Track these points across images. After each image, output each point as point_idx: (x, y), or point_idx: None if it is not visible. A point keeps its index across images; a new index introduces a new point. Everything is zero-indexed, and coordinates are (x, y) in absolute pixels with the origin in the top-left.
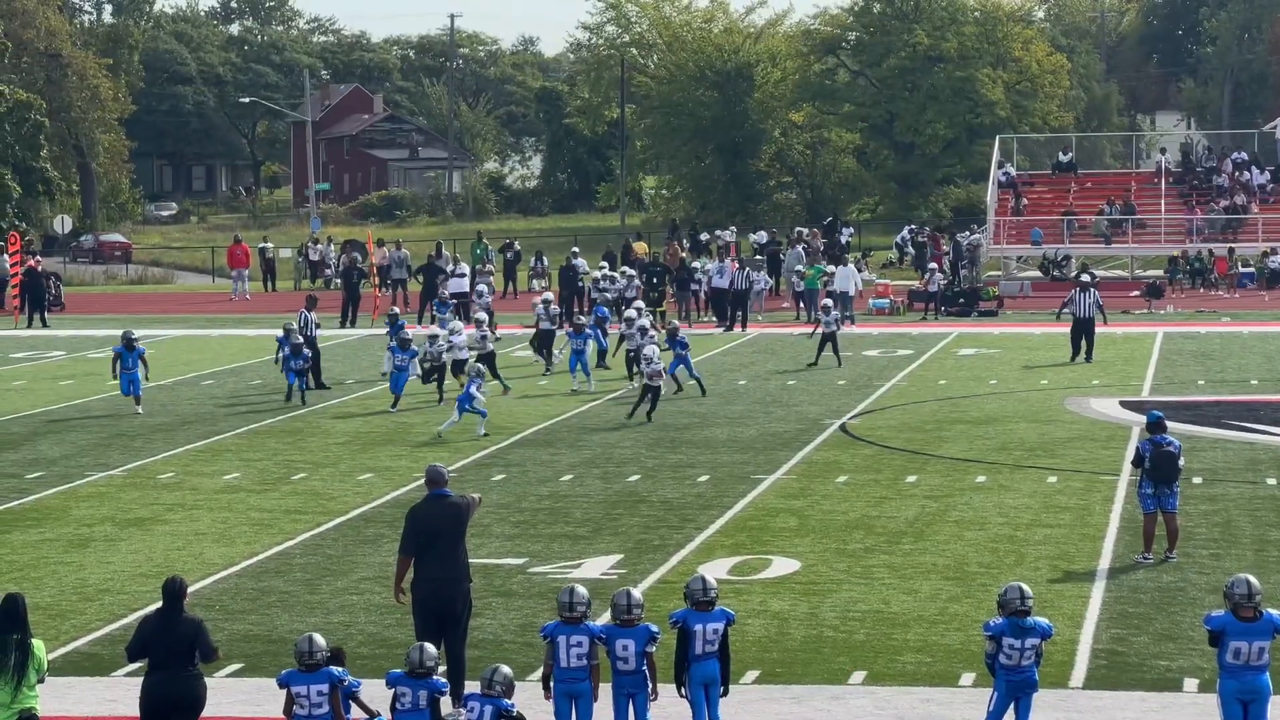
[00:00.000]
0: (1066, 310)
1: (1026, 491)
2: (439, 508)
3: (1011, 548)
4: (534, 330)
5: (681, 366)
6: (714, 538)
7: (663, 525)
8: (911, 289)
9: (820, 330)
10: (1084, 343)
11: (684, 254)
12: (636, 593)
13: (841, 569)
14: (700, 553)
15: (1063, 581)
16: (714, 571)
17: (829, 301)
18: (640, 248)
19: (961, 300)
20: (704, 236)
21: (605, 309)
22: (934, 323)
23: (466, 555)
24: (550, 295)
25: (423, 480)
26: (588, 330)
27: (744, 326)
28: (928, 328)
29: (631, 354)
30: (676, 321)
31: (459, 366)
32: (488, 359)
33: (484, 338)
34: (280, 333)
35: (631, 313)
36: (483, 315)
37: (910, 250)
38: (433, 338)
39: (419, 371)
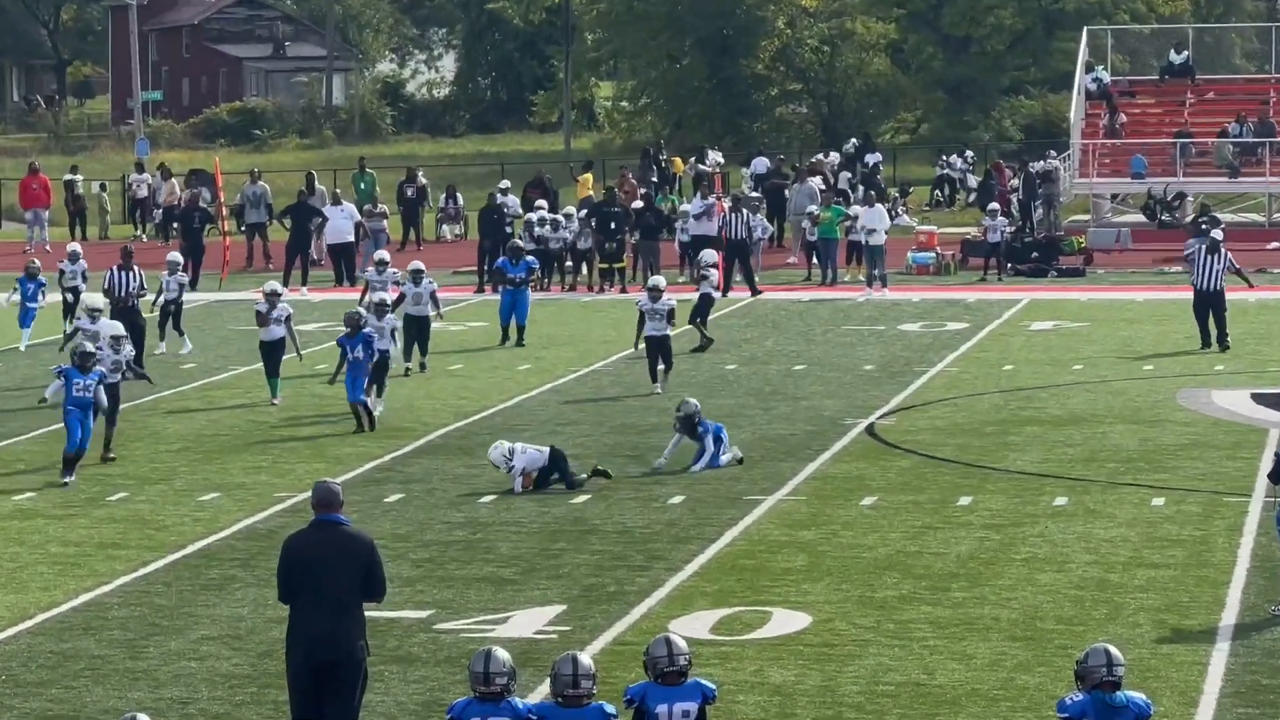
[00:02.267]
0: (1182, 269)
1: (1123, 518)
2: (324, 538)
3: (1101, 596)
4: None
5: None
6: (691, 582)
7: (621, 565)
8: (966, 238)
9: (697, 293)
10: (1212, 323)
11: (643, 189)
12: (586, 659)
13: (868, 625)
14: (672, 603)
15: (1171, 642)
16: (691, 629)
17: (711, 254)
18: (586, 181)
19: (1035, 255)
20: (686, 163)
21: (535, 260)
22: (997, 285)
23: (361, 606)
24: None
25: (291, 502)
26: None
27: (753, 290)
28: (988, 292)
29: (654, 341)
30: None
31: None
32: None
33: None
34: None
35: (658, 280)
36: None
37: (966, 185)
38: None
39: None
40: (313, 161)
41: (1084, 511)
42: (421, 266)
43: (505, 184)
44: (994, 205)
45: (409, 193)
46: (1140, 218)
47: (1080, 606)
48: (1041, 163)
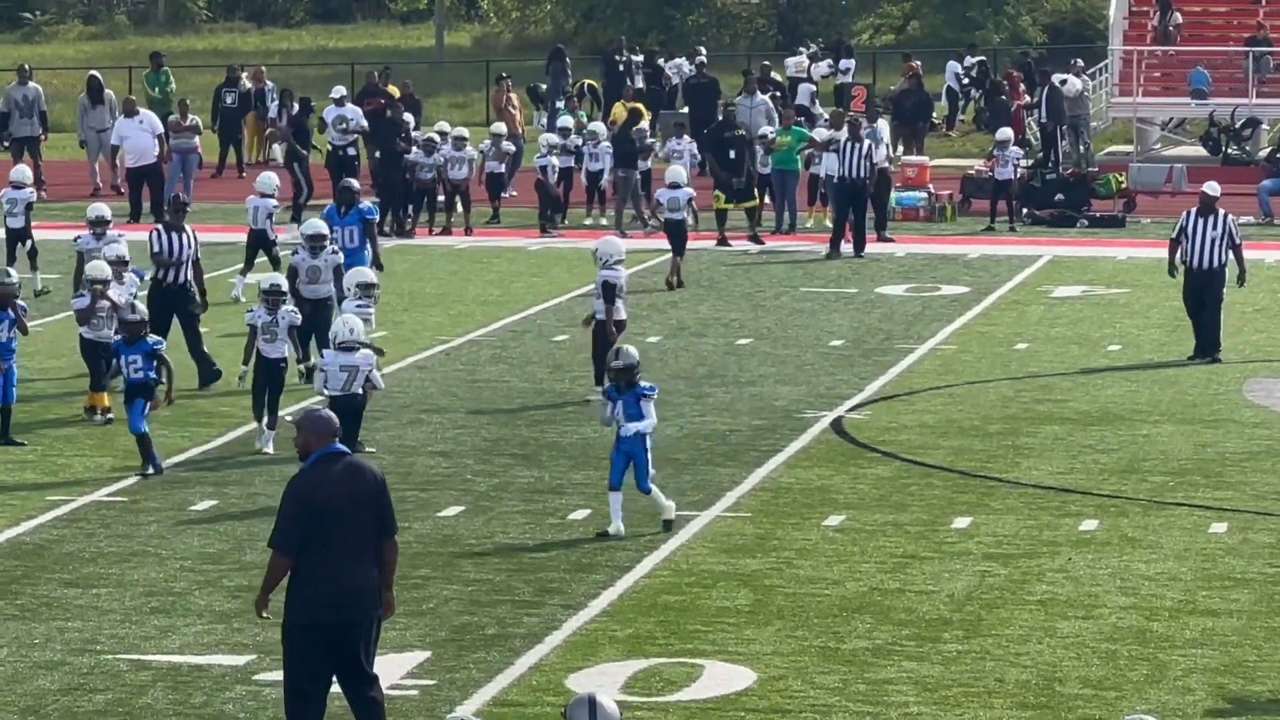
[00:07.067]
0: (1257, 219)
1: (1172, 548)
2: (338, 474)
3: (1141, 652)
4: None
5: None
6: (598, 623)
7: (504, 599)
8: (969, 173)
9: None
10: (1206, 321)
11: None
12: (611, 706)
13: (831, 686)
14: (571, 651)
15: (1233, 715)
16: (597, 686)
17: (682, 170)
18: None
19: (1059, 197)
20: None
21: (372, 208)
22: (1009, 237)
23: (385, 560)
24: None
25: (70, 508)
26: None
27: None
28: (996, 245)
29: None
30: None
31: None
32: None
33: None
34: None
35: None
36: None
37: (969, 97)
38: None
39: None
40: (100, 56)
41: (1119, 539)
42: (324, 230)
43: (340, 91)
44: (1005, 131)
45: (227, 100)
46: (1199, 150)
47: (1113, 665)
48: (1069, 76)
